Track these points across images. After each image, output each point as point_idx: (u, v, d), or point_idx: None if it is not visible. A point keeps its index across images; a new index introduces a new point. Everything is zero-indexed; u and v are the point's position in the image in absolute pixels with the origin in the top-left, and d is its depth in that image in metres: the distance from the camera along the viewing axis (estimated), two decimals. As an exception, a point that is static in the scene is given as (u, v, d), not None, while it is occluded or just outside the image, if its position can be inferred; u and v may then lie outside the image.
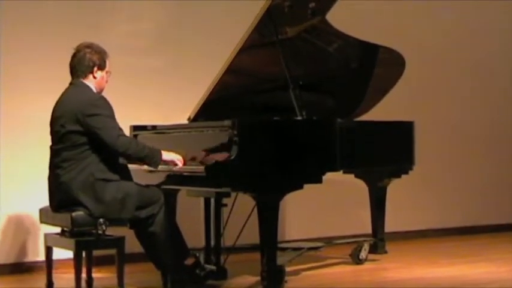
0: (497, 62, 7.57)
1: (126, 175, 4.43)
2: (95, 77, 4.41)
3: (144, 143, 4.48)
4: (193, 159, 4.57)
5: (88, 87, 4.39)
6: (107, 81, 4.49)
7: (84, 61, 4.39)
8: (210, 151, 4.56)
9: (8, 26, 5.46)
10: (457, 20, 7.30)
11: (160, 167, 4.48)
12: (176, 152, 4.51)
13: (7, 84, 5.43)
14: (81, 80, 4.40)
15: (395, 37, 6.19)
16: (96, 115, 4.25)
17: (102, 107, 4.29)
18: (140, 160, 4.40)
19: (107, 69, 4.47)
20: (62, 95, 4.42)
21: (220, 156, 4.41)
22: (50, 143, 4.44)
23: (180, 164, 4.48)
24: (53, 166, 4.36)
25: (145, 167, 4.52)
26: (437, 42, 7.17)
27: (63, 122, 4.29)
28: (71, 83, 4.44)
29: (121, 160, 4.42)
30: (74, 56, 4.42)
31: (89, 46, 4.43)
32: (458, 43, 7.31)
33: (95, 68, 4.40)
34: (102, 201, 4.24)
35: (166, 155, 4.45)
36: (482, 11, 7.44)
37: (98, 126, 4.24)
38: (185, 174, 4.49)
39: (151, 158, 4.39)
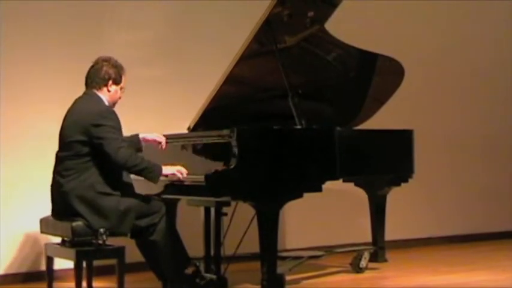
0: (496, 71, 7.56)
1: (128, 189, 4.42)
2: (109, 90, 4.44)
3: (144, 157, 4.45)
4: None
5: (100, 98, 4.41)
6: (120, 97, 4.51)
7: (100, 73, 4.42)
8: (210, 160, 4.56)
9: (8, 36, 5.46)
10: (456, 29, 7.32)
11: (162, 179, 4.46)
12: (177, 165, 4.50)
13: (7, 93, 5.43)
14: (95, 91, 4.42)
15: (394, 46, 6.20)
16: (101, 125, 4.26)
17: (108, 118, 4.30)
18: (138, 174, 4.37)
19: (122, 84, 4.49)
20: (74, 103, 4.44)
21: (220, 166, 4.42)
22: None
23: (184, 173, 4.46)
24: (56, 173, 4.38)
25: None
26: (437, 50, 7.18)
27: (71, 131, 4.32)
28: (84, 93, 4.46)
29: (125, 176, 4.42)
30: (91, 68, 4.45)
31: (107, 60, 4.47)
32: (458, 52, 7.31)
33: (110, 82, 4.43)
34: (101, 214, 4.24)
35: (166, 169, 4.42)
36: (482, 21, 7.44)
37: (101, 136, 4.25)
38: (185, 183, 4.50)
39: (149, 172, 4.36)
